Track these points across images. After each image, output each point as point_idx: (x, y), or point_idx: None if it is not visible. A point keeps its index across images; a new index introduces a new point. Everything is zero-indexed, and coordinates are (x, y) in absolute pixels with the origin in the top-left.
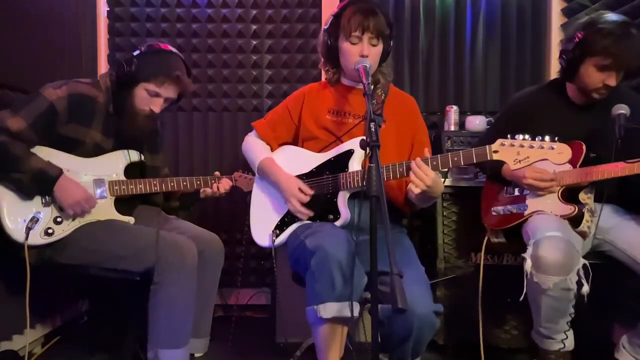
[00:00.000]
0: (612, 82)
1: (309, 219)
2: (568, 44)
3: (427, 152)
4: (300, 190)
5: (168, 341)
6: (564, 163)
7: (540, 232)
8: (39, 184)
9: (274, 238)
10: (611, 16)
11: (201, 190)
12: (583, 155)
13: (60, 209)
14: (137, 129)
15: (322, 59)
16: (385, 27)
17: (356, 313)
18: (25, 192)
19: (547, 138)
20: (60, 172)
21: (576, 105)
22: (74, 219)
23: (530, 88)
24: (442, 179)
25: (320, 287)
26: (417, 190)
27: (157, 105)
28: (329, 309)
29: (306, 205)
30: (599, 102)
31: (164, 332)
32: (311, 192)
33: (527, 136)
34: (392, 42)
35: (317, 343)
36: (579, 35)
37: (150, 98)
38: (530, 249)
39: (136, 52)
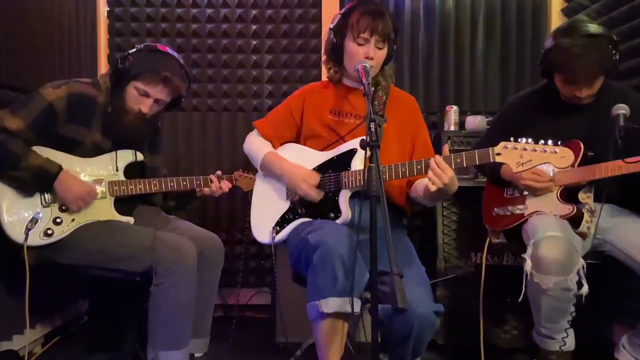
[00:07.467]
0: (580, 93)
1: (310, 216)
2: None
3: (447, 150)
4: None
5: (168, 343)
6: (567, 167)
7: (540, 232)
8: (39, 181)
9: (274, 235)
10: (581, 25)
11: (197, 189)
12: (581, 154)
13: (63, 204)
14: (126, 127)
15: (326, 57)
16: (392, 30)
17: (357, 309)
18: (25, 190)
19: (550, 142)
20: (59, 168)
21: (572, 105)
22: (73, 220)
23: (527, 90)
24: None
25: (322, 281)
26: (433, 188)
27: (145, 106)
28: (330, 304)
29: (309, 202)
30: (595, 101)
31: (164, 333)
32: (318, 175)
33: (530, 140)
34: (395, 46)
35: (318, 340)
36: (544, 48)
37: (140, 97)
38: (530, 249)
39: (132, 50)
